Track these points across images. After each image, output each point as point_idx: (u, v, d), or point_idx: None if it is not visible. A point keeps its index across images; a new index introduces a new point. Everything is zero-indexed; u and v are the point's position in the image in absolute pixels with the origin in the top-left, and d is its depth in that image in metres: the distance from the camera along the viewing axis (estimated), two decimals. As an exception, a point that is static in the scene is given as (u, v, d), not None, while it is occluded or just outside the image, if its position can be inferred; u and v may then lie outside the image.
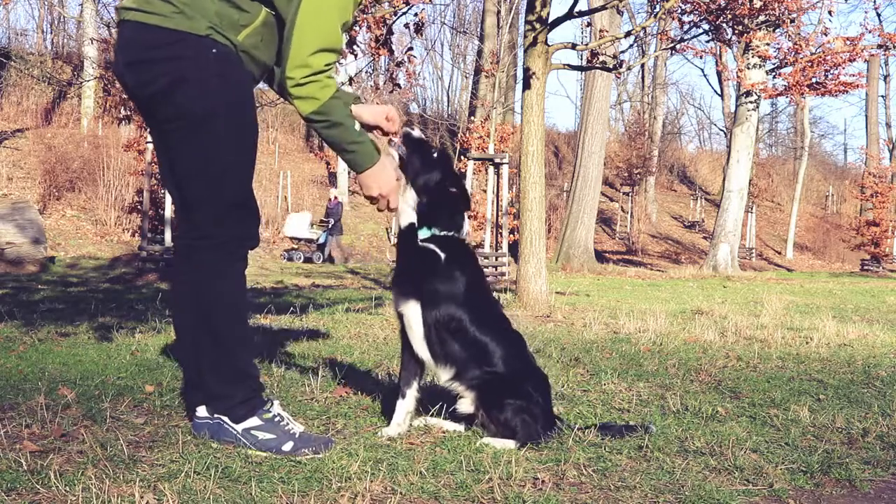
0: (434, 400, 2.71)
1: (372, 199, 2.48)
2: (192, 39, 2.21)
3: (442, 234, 2.52)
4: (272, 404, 2.41)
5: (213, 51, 2.24)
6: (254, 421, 2.35)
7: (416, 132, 2.58)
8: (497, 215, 12.63)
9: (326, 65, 2.28)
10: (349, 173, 23.39)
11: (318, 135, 2.42)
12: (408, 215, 2.53)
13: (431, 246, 2.51)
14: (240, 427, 2.34)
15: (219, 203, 2.30)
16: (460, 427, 2.60)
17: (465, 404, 2.54)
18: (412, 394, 2.57)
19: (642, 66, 31.12)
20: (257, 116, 2.43)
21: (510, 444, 2.44)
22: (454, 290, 2.50)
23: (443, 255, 2.50)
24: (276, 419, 2.36)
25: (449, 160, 2.58)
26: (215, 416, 2.37)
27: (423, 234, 2.51)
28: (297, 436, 2.34)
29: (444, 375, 2.54)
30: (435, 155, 2.56)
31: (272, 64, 2.39)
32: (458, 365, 2.51)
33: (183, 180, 2.32)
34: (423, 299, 2.49)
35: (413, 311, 2.51)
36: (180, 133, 2.27)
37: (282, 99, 2.41)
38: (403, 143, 2.53)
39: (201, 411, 2.42)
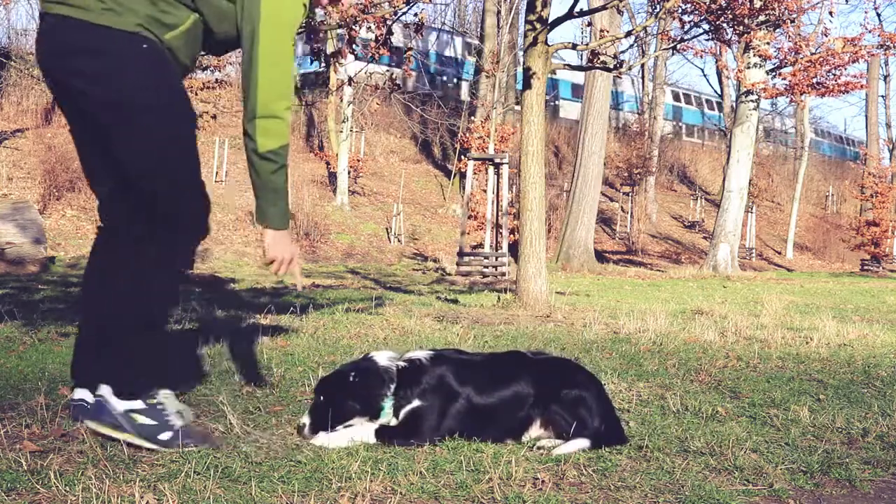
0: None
1: (271, 262, 2.48)
2: (120, 35, 2.24)
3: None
4: (158, 392, 2.40)
5: (144, 46, 2.27)
6: (137, 403, 2.33)
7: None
8: (497, 215, 12.63)
9: (287, 108, 2.36)
10: (349, 173, 23.40)
11: (259, 175, 2.41)
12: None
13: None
14: (121, 407, 2.32)
15: (158, 191, 2.33)
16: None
17: None
18: None
19: (642, 66, 31.10)
20: (192, 107, 2.46)
21: (584, 443, 2.42)
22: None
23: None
24: (160, 407, 2.35)
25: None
26: (97, 394, 2.35)
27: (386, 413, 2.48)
28: (176, 428, 2.33)
29: None
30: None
31: (190, 65, 2.46)
32: None
33: (122, 170, 2.34)
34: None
35: None
36: (116, 125, 2.28)
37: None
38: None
39: (79, 393, 2.42)
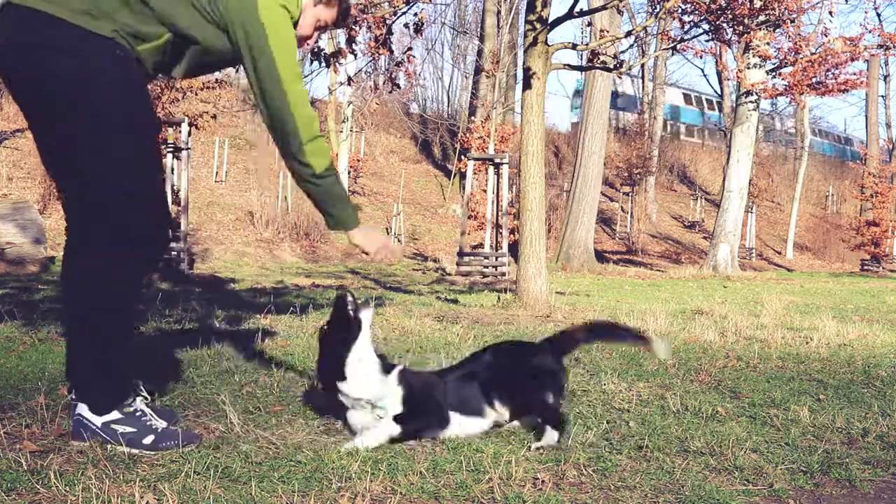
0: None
1: (368, 254, 2.56)
2: (96, 39, 2.23)
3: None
4: (135, 400, 2.41)
5: (118, 52, 2.27)
6: (114, 415, 2.34)
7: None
8: (497, 215, 12.62)
9: (319, 124, 2.43)
10: (349, 173, 23.40)
11: (325, 191, 2.47)
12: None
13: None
14: (99, 421, 2.33)
15: (113, 197, 2.30)
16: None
17: None
18: None
19: (642, 66, 31.09)
20: (157, 118, 2.45)
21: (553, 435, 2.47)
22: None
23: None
24: (138, 414, 2.36)
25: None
26: (76, 413, 2.35)
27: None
28: (159, 430, 2.34)
29: None
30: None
31: (153, 74, 2.45)
32: None
33: (80, 172, 2.30)
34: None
35: None
36: (83, 129, 2.25)
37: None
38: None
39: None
